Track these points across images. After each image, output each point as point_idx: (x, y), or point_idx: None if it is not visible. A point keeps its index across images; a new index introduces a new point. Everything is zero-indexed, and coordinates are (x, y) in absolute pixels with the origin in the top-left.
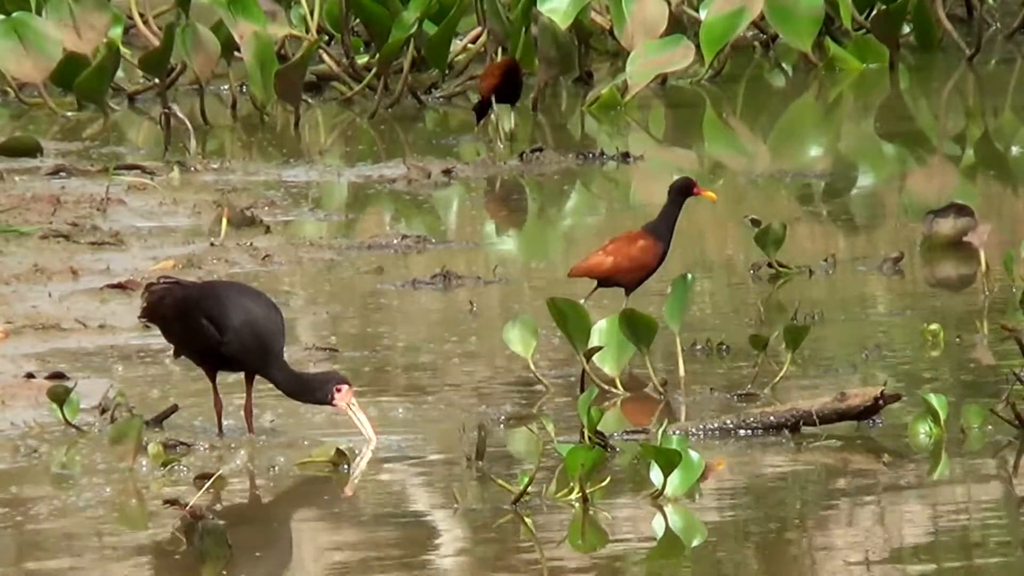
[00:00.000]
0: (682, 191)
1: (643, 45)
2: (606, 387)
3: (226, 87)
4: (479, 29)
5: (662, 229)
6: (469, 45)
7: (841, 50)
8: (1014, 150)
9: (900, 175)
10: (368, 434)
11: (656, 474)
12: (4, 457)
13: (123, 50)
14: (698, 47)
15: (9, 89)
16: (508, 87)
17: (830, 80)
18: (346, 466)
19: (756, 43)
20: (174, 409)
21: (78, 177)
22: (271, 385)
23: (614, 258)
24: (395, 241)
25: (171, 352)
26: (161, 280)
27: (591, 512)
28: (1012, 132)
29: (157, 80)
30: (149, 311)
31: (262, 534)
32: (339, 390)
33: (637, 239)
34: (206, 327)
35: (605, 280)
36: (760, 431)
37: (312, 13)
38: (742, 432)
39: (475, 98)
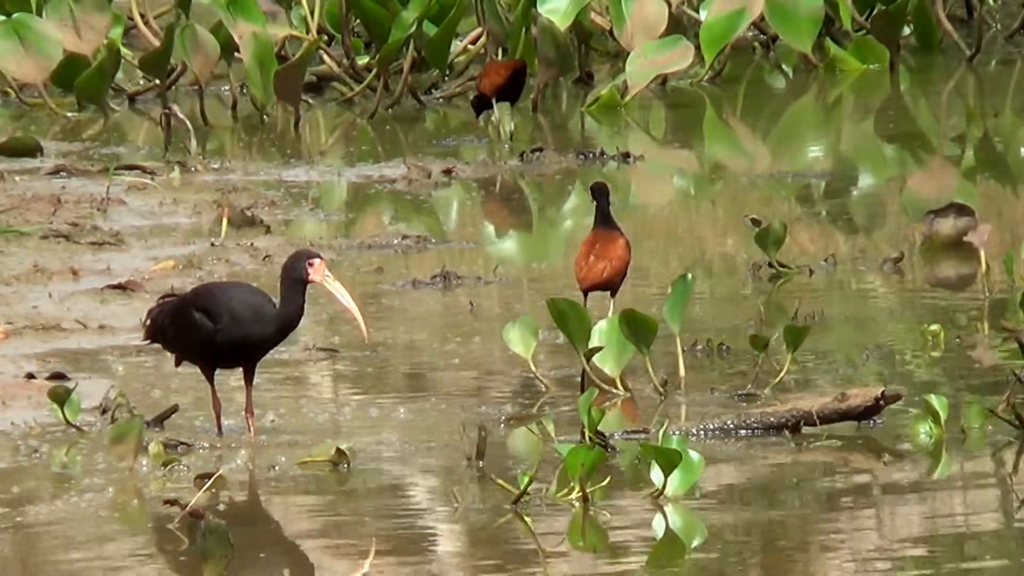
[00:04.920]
0: (602, 192)
1: (642, 46)
2: (606, 387)
3: (226, 87)
4: (479, 30)
5: (615, 224)
6: (469, 46)
7: (841, 51)
8: (1023, 151)
9: (900, 175)
10: (347, 304)
11: (656, 474)
12: (4, 457)
13: (123, 51)
14: (698, 48)
15: (9, 89)
16: (512, 87)
17: (830, 81)
18: (346, 465)
19: (756, 44)
20: (174, 409)
21: (78, 177)
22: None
23: (611, 262)
24: (395, 241)
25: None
26: (159, 301)
27: (591, 512)
28: (1012, 133)
29: (157, 81)
30: (151, 330)
31: (263, 534)
32: (311, 264)
33: (615, 238)
34: (200, 320)
35: (602, 286)
36: (760, 431)
37: (312, 13)
38: (742, 432)
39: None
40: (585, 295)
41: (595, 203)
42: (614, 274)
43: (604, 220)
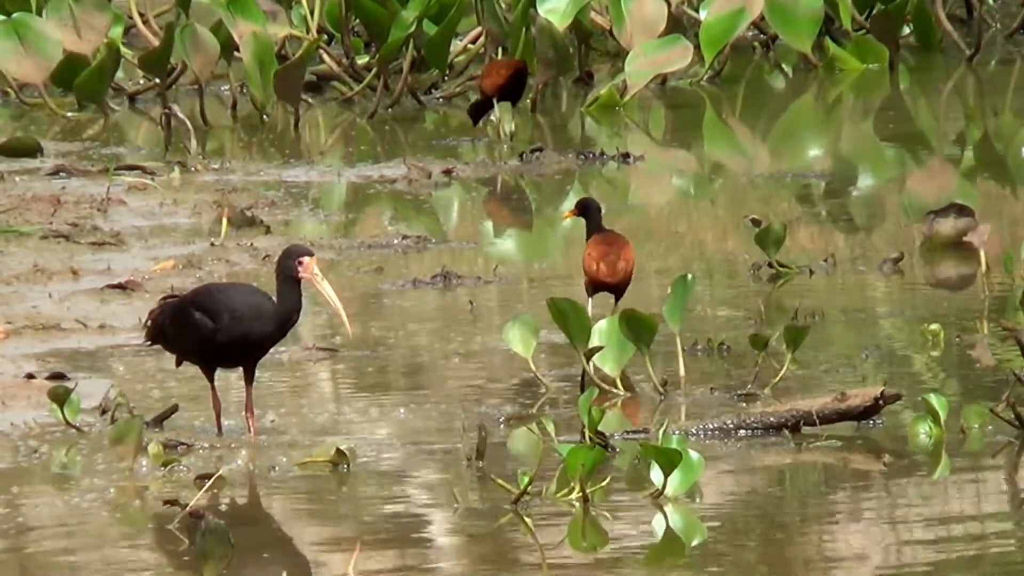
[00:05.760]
0: (596, 208)
1: (641, 45)
2: (606, 387)
3: (226, 87)
4: (479, 29)
5: (613, 231)
6: (469, 45)
7: (841, 51)
8: (1023, 151)
9: (900, 175)
10: (335, 304)
11: (656, 474)
12: (4, 457)
13: (123, 50)
14: (698, 47)
15: (9, 90)
16: (513, 88)
17: (830, 81)
18: (346, 466)
19: (756, 44)
20: (174, 409)
21: (78, 177)
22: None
23: (628, 263)
24: (395, 241)
25: (173, 359)
26: (160, 302)
27: (591, 512)
28: (1012, 133)
29: (157, 80)
30: (152, 330)
31: (263, 534)
32: (301, 263)
33: (626, 243)
34: (199, 319)
35: (622, 285)
36: (760, 431)
37: (312, 13)
38: (742, 432)
39: (475, 97)
40: (594, 293)
41: (586, 218)
42: (628, 275)
43: (600, 229)
